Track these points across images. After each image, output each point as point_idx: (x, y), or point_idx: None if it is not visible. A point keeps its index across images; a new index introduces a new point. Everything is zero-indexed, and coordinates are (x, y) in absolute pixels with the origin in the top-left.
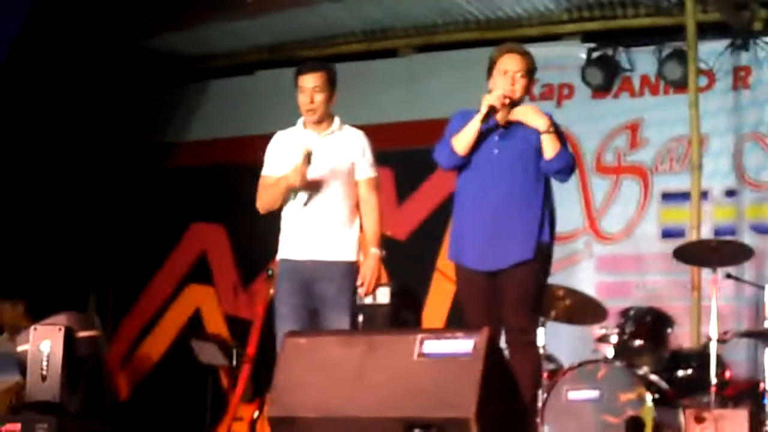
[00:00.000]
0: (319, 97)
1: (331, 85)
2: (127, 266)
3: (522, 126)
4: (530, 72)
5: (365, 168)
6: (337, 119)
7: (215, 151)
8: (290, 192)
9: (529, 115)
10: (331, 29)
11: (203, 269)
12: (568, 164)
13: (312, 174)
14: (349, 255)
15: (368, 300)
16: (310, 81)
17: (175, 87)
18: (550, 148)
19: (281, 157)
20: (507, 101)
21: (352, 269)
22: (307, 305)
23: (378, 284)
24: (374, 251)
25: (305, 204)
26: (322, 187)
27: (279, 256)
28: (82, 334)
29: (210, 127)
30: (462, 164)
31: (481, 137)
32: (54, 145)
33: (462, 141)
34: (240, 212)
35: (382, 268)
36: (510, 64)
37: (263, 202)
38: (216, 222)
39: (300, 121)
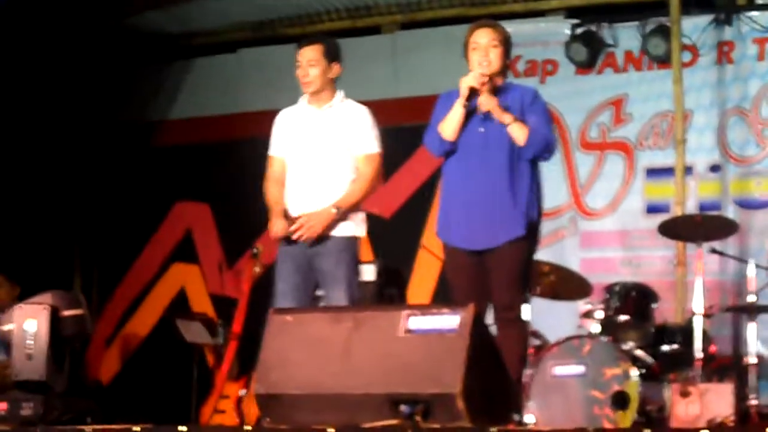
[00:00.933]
0: (314, 71)
1: (328, 57)
2: (112, 245)
3: (505, 103)
4: (503, 42)
5: (366, 143)
6: (339, 93)
7: (199, 130)
8: None
9: (489, 105)
10: (315, 6)
11: (188, 248)
12: (543, 147)
13: (313, 147)
14: (347, 230)
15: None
16: (305, 55)
17: (159, 65)
18: (518, 137)
19: (285, 135)
20: (485, 78)
21: (350, 243)
22: (307, 282)
23: (310, 236)
24: (331, 208)
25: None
26: (321, 162)
27: None
28: (68, 312)
29: (194, 105)
30: (452, 149)
31: (467, 117)
32: (38, 124)
33: (448, 127)
34: (225, 191)
35: (326, 227)
36: (480, 37)
37: (265, 195)
38: (201, 200)
39: (303, 97)
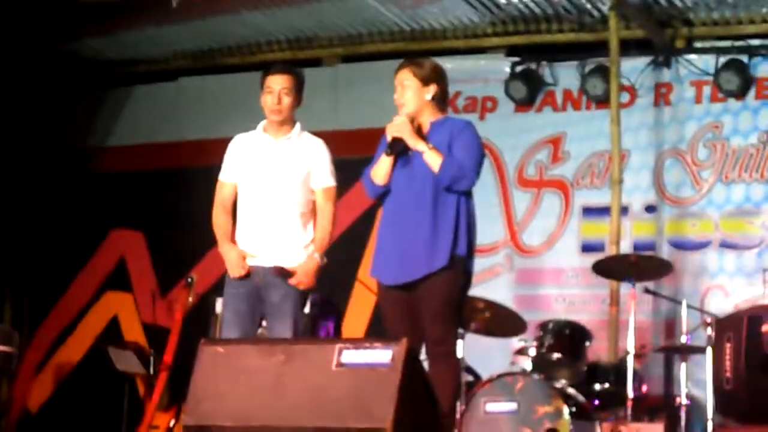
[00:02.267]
0: (287, 100)
1: (298, 90)
2: (44, 271)
3: (434, 139)
4: (419, 79)
5: (323, 176)
6: (297, 125)
7: (137, 157)
8: None
9: (409, 141)
10: (256, 37)
11: (122, 276)
12: (456, 174)
13: (266, 178)
14: (298, 262)
15: None
16: (279, 82)
17: (98, 92)
18: (432, 164)
19: (238, 162)
20: (408, 123)
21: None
22: (253, 312)
23: (308, 289)
24: (316, 257)
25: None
26: (274, 194)
27: None
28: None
29: (132, 132)
30: (385, 192)
31: (400, 158)
32: None
33: (378, 173)
34: (160, 219)
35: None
36: (397, 78)
37: (214, 226)
38: (135, 228)
39: (260, 125)
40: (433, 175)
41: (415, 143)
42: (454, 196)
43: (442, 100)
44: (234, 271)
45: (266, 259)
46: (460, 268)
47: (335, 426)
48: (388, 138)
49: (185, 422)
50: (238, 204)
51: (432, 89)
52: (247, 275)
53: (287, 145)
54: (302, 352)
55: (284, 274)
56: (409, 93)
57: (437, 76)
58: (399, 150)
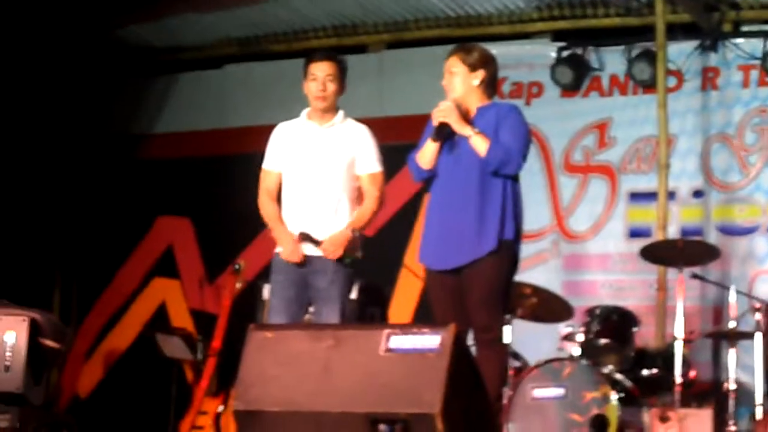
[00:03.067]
0: (332, 86)
1: (341, 77)
2: (93, 258)
3: (480, 124)
4: (470, 66)
5: (368, 162)
6: (341, 112)
7: (183, 144)
8: None
9: (455, 126)
10: (302, 24)
11: (169, 263)
12: (502, 159)
13: (311, 165)
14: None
15: None
16: (323, 69)
17: (145, 79)
18: (479, 149)
19: (283, 150)
20: (452, 110)
21: (345, 263)
22: (301, 298)
23: (338, 256)
24: (348, 230)
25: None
26: (319, 181)
27: (276, 249)
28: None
29: (178, 120)
30: (431, 176)
31: (447, 143)
32: (22, 136)
33: (424, 157)
34: (207, 206)
35: (349, 248)
36: (447, 65)
37: (263, 215)
38: (182, 215)
39: (304, 112)
40: (480, 160)
41: (462, 128)
42: (501, 181)
43: (489, 86)
44: (292, 255)
45: (311, 247)
46: (507, 252)
47: (384, 411)
48: (434, 123)
49: (235, 407)
50: (283, 192)
51: (479, 75)
52: (302, 262)
53: (332, 132)
54: (350, 337)
55: (310, 240)
56: (457, 79)
57: (485, 62)
58: (445, 135)
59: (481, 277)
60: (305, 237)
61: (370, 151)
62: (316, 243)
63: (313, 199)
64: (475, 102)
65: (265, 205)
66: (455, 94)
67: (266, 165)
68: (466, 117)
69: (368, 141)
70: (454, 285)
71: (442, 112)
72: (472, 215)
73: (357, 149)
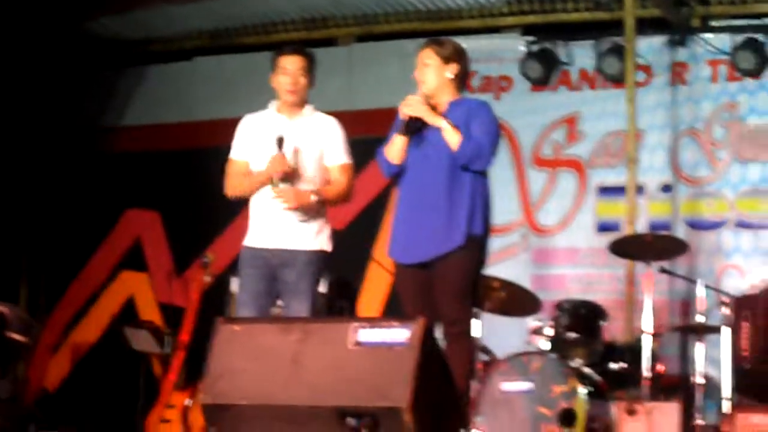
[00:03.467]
0: (303, 80)
1: (311, 71)
2: (60, 251)
3: (450, 119)
4: (444, 58)
5: (337, 154)
6: (309, 106)
7: (152, 137)
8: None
9: (427, 118)
10: (271, 17)
11: (137, 256)
12: (474, 153)
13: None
14: (315, 244)
15: None
16: (294, 63)
17: (113, 71)
18: (451, 142)
19: (251, 141)
20: (424, 102)
21: (316, 258)
22: (269, 291)
23: (293, 203)
24: (310, 192)
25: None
26: (291, 174)
27: (245, 242)
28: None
29: (147, 112)
30: (400, 171)
31: (416, 137)
32: None
33: (392, 152)
34: (175, 199)
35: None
36: (419, 57)
37: (235, 189)
38: (151, 208)
39: (272, 104)
40: (449, 154)
41: (434, 120)
42: (470, 176)
43: (461, 81)
44: (281, 164)
45: (281, 240)
46: (476, 247)
47: (352, 405)
48: (402, 117)
49: (203, 401)
50: None
51: (453, 68)
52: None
53: (302, 123)
54: (319, 330)
55: (281, 144)
56: (430, 71)
57: (459, 56)
58: (413, 129)
59: (450, 271)
60: (280, 141)
61: (338, 143)
62: (281, 144)
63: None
64: (446, 96)
65: (229, 184)
66: (428, 86)
67: (234, 155)
68: (435, 111)
69: (337, 133)
70: (422, 279)
71: (411, 106)
72: (441, 210)
73: (326, 141)
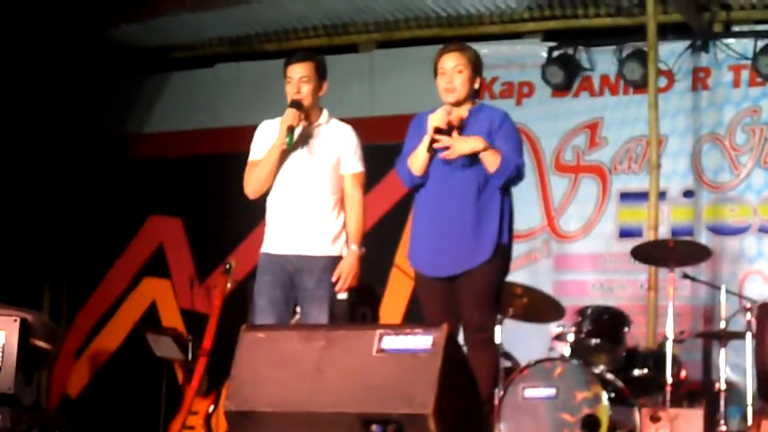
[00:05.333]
0: (306, 88)
1: (319, 75)
2: (84, 257)
3: (474, 129)
4: (472, 65)
5: (352, 162)
6: (325, 112)
7: (174, 144)
8: (283, 151)
9: (464, 148)
10: (293, 23)
11: (160, 262)
12: (513, 175)
13: (296, 165)
14: (332, 249)
15: None
16: (297, 71)
17: (136, 78)
18: (489, 164)
19: (268, 145)
20: (450, 111)
21: (334, 263)
22: (287, 299)
23: (354, 283)
24: (354, 249)
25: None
26: (304, 181)
27: (262, 249)
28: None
29: (170, 119)
30: (423, 182)
31: (437, 149)
32: (13, 136)
33: (416, 163)
34: (198, 206)
35: (358, 267)
36: (446, 62)
37: (254, 181)
38: (174, 215)
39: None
40: (476, 170)
41: (472, 146)
42: (498, 190)
43: (479, 89)
44: (293, 118)
45: (298, 246)
46: (502, 255)
47: (376, 412)
48: (429, 130)
49: (226, 407)
50: (268, 192)
51: (479, 79)
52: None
53: (316, 131)
54: (343, 337)
55: (299, 106)
56: (462, 79)
57: (482, 66)
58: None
59: (476, 283)
60: (295, 104)
61: (353, 151)
62: (300, 107)
63: (298, 199)
64: (467, 104)
65: (247, 176)
66: (458, 94)
67: (253, 156)
68: (458, 121)
69: (352, 140)
70: (446, 289)
71: (441, 118)
72: (470, 225)
73: (342, 149)
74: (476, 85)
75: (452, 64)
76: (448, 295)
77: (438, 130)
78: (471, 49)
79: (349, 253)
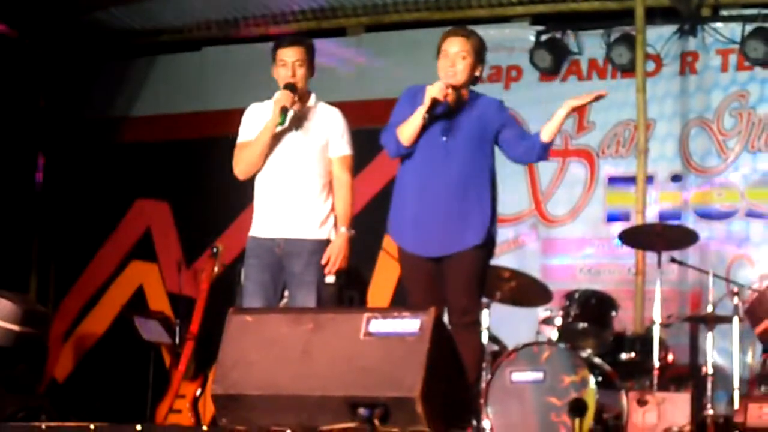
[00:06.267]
0: (300, 71)
1: (310, 60)
2: (70, 241)
3: (471, 114)
4: (475, 52)
5: (340, 145)
6: (313, 96)
7: (161, 127)
8: (274, 132)
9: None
10: (281, 7)
11: (147, 246)
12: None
13: (285, 148)
14: (320, 233)
15: None
16: (291, 54)
17: (122, 61)
18: (554, 133)
19: (256, 127)
20: (449, 89)
21: (322, 247)
22: (275, 282)
23: (343, 265)
24: (343, 231)
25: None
26: (293, 164)
27: (250, 233)
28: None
29: (157, 102)
30: (409, 153)
31: (430, 123)
32: None
33: (407, 132)
34: (185, 189)
35: (348, 249)
36: (450, 46)
37: (245, 162)
38: (161, 198)
39: (276, 94)
40: (471, 156)
41: (559, 125)
42: (488, 172)
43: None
44: (286, 99)
45: (286, 230)
46: (490, 241)
47: (364, 395)
48: (426, 100)
49: (214, 391)
50: (258, 175)
51: (480, 67)
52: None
53: (304, 115)
54: (330, 321)
55: (293, 89)
56: (465, 65)
57: (484, 53)
58: (435, 113)
59: (463, 265)
60: (290, 86)
61: (341, 134)
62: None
63: (287, 182)
64: (464, 90)
65: (237, 156)
66: (459, 78)
67: (242, 138)
68: (459, 100)
69: (340, 123)
70: (431, 268)
71: (440, 90)
72: (461, 208)
73: (330, 132)
74: (477, 73)
75: (456, 48)
76: (433, 275)
77: (435, 101)
78: (477, 36)
79: (339, 236)
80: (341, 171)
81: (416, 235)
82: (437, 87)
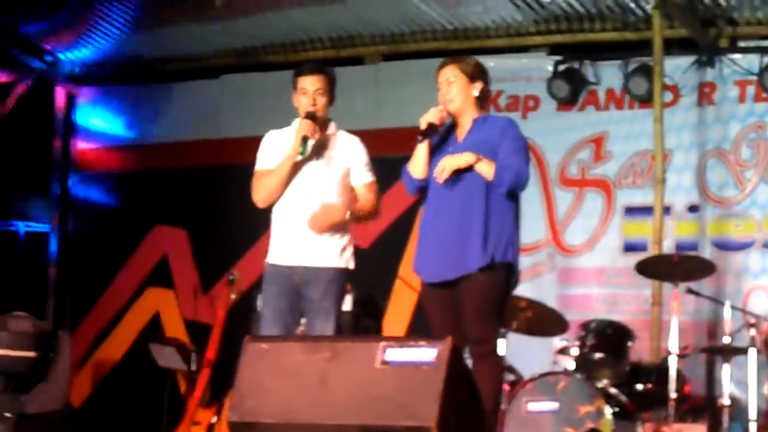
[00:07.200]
0: (322, 100)
1: (331, 89)
2: (87, 267)
3: (477, 138)
4: (465, 74)
5: (363, 173)
6: (333, 124)
7: (179, 154)
8: (294, 162)
9: (455, 163)
10: (299, 35)
11: (164, 273)
12: (513, 179)
13: (304, 177)
14: (338, 261)
15: None
16: (312, 83)
17: (141, 88)
18: (485, 173)
19: (275, 155)
20: (444, 114)
21: (340, 275)
22: (293, 309)
23: (325, 227)
24: (343, 209)
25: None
26: (312, 192)
27: (267, 260)
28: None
29: (175, 129)
30: (425, 186)
31: (439, 153)
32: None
33: (415, 165)
34: (202, 216)
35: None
36: (440, 76)
37: (265, 190)
38: (178, 225)
39: (295, 122)
40: (479, 177)
41: (465, 159)
42: (500, 197)
43: (484, 98)
44: (308, 129)
45: (304, 258)
46: (506, 267)
47: (379, 424)
48: (422, 125)
49: (230, 418)
50: (277, 203)
51: (478, 86)
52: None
53: (325, 144)
54: (346, 349)
55: (314, 118)
56: (456, 89)
57: (482, 74)
58: (431, 135)
59: (475, 290)
60: (310, 115)
61: (364, 162)
62: (314, 119)
63: (308, 211)
64: (471, 114)
65: (256, 184)
66: (455, 104)
67: (260, 166)
68: (460, 128)
69: (361, 152)
70: (448, 298)
71: (433, 114)
72: (471, 229)
73: (351, 160)
74: (474, 92)
75: (444, 77)
76: (451, 305)
77: (430, 126)
78: (465, 59)
79: (338, 206)
80: (368, 193)
81: (430, 264)
82: (432, 111)
